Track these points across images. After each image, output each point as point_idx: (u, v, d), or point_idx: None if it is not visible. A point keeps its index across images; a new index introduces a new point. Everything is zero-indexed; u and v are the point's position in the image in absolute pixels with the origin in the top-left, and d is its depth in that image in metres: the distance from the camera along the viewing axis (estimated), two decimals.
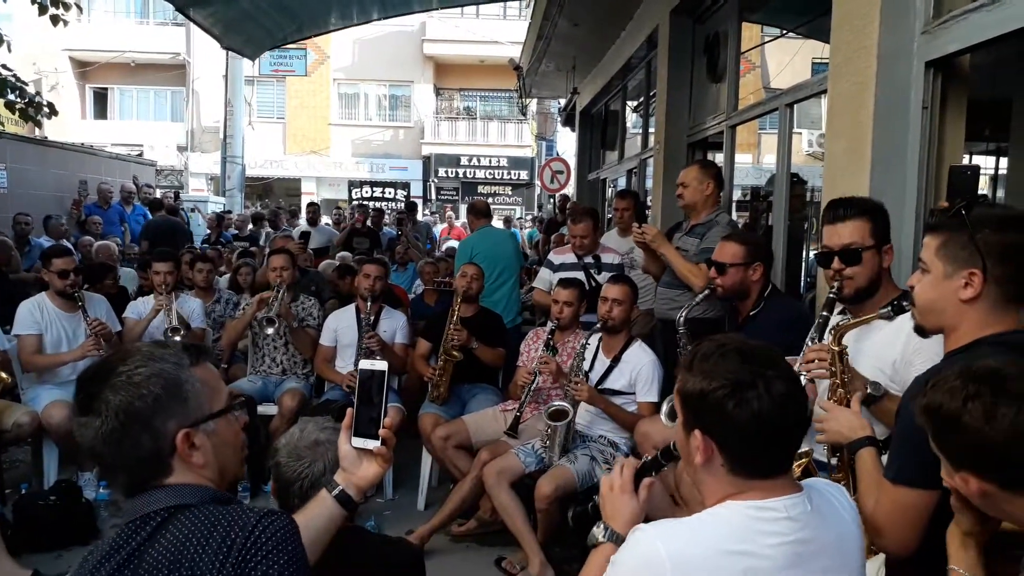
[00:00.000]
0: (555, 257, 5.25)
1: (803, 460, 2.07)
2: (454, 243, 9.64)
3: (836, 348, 2.12)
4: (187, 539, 1.24)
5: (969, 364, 1.37)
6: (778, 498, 1.37)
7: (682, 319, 3.39)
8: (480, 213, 6.44)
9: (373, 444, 1.54)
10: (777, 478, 1.40)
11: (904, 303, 1.93)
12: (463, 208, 20.35)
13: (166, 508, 1.30)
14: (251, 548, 1.23)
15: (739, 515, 1.36)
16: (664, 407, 2.11)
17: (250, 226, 11.57)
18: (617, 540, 1.55)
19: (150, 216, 10.45)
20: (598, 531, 1.57)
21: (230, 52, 11.00)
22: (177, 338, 4.59)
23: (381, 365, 1.57)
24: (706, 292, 3.37)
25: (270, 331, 4.76)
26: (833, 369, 2.12)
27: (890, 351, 2.18)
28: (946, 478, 1.41)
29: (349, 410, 1.58)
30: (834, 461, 2.10)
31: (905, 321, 2.04)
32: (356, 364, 4.65)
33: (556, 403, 3.68)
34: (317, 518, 1.52)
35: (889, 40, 2.90)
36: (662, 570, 1.30)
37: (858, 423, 1.92)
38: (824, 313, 2.53)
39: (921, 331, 1.88)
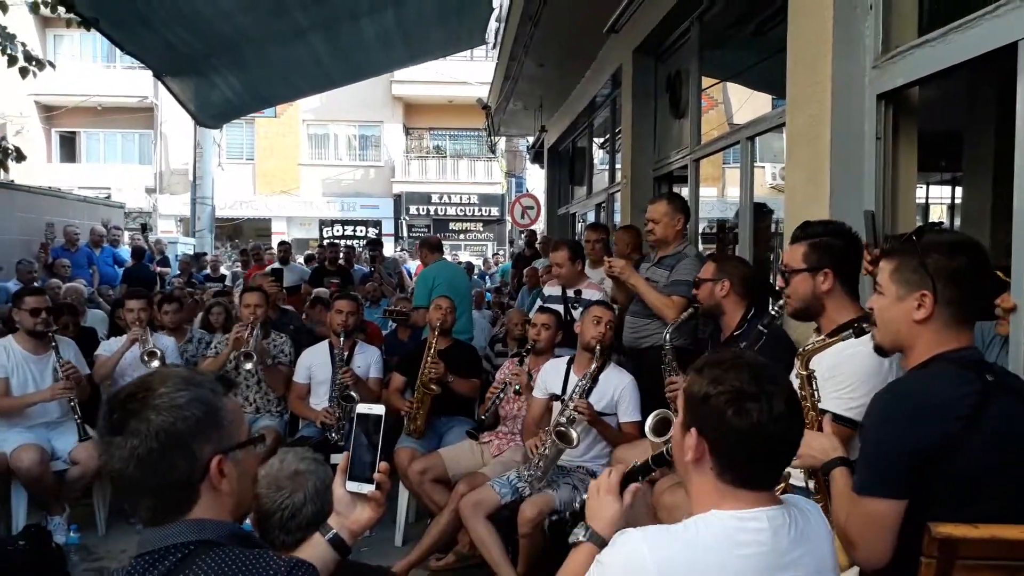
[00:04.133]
0: (546, 289, 5.33)
1: (781, 484, 2.13)
2: None
3: (804, 372, 2.19)
4: None
5: None
6: (761, 509, 1.43)
7: (667, 337, 3.50)
8: (434, 247, 6.62)
9: (368, 488, 1.55)
10: (762, 491, 1.45)
11: (864, 325, 2.02)
12: None
13: (189, 543, 1.28)
14: None
15: (722, 524, 1.41)
16: (648, 422, 2.16)
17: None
18: (597, 540, 1.59)
19: (121, 258, 10.39)
20: (579, 531, 1.62)
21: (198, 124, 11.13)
22: (155, 363, 4.56)
23: (378, 409, 1.58)
24: (689, 312, 3.50)
25: (248, 366, 4.73)
26: (803, 393, 2.19)
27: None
28: None
29: (345, 453, 1.59)
30: (811, 485, 2.15)
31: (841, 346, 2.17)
32: (330, 400, 4.66)
33: (563, 425, 3.59)
34: (311, 560, 1.50)
35: (841, 74, 3.04)
36: (646, 574, 1.35)
37: (830, 445, 1.98)
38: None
39: (881, 351, 1.98)
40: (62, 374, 4.34)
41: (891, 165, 3.02)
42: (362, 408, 1.60)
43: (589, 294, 4.91)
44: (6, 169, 8.79)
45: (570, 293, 4.89)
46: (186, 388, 1.32)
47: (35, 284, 7.89)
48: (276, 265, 9.49)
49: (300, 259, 12.14)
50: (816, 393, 2.19)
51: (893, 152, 3.02)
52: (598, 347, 3.78)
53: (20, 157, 7.98)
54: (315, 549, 1.54)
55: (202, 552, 1.27)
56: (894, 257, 1.89)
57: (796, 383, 2.19)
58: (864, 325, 2.02)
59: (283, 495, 1.88)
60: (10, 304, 4.92)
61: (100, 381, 4.81)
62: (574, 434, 3.56)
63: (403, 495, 4.41)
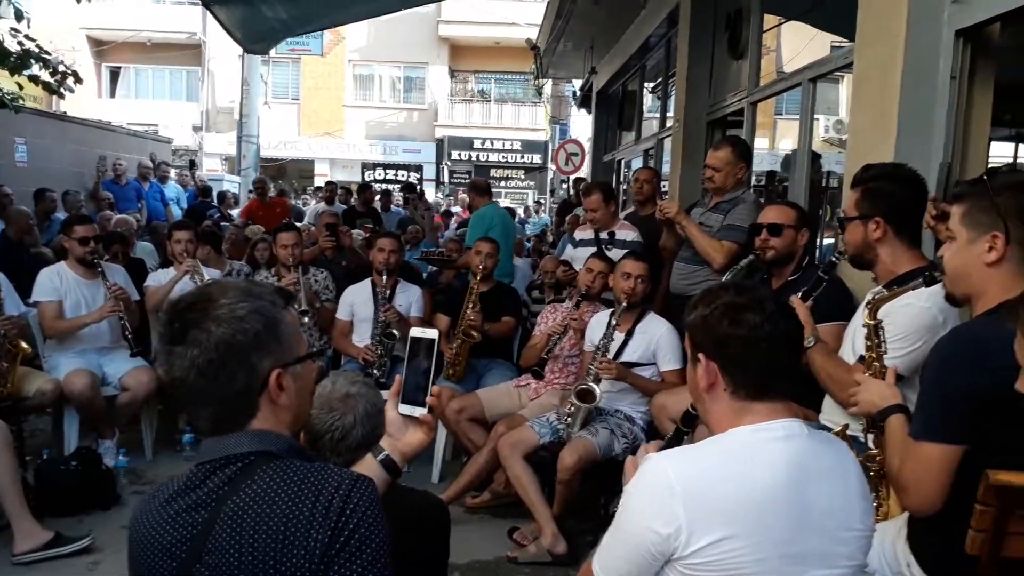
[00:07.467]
0: (577, 233, 5.28)
1: (840, 431, 2.10)
2: None
3: (871, 322, 2.13)
4: (278, 493, 1.24)
5: None
6: (776, 420, 1.45)
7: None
8: (483, 190, 6.56)
9: (420, 411, 1.54)
10: (776, 401, 1.47)
11: (936, 273, 1.95)
12: None
13: (250, 453, 1.29)
14: (350, 511, 1.23)
15: (739, 438, 1.44)
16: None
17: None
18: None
19: (166, 193, 10.52)
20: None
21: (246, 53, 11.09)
22: None
23: (432, 333, 1.57)
24: (750, 259, 3.32)
25: (307, 320, 4.75)
26: (869, 343, 2.13)
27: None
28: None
29: (398, 376, 1.58)
30: (871, 440, 2.10)
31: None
32: (372, 338, 4.69)
33: (584, 384, 3.63)
34: None
35: (919, 7, 2.87)
36: (671, 489, 1.37)
37: (890, 392, 1.95)
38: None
39: (952, 300, 1.91)
40: (110, 294, 4.42)
41: (964, 107, 2.86)
42: (416, 331, 1.59)
43: (623, 235, 4.83)
44: (62, 96, 8.85)
45: (603, 235, 4.80)
46: (246, 300, 1.31)
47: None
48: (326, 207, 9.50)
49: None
50: (883, 345, 2.12)
51: (968, 94, 2.85)
52: (626, 302, 3.73)
53: (77, 80, 7.99)
54: (367, 469, 1.53)
55: (263, 463, 1.28)
56: (964, 200, 1.82)
57: (863, 332, 2.13)
58: (936, 274, 1.94)
59: (333, 417, 1.88)
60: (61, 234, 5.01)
61: (153, 310, 4.88)
62: (597, 391, 3.57)
63: (441, 433, 4.44)
